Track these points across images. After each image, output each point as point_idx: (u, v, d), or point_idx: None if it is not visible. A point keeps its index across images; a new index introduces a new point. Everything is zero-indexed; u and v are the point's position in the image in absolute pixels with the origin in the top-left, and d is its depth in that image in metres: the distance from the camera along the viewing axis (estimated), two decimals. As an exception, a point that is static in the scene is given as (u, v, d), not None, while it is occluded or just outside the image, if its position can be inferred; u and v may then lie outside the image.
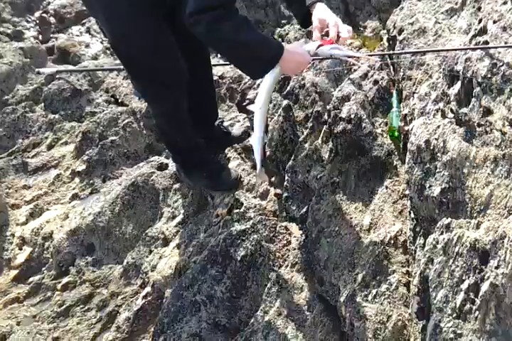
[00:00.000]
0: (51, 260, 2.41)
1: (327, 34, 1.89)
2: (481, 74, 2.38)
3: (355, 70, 2.98)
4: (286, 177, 2.42)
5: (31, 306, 2.25)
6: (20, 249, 2.46)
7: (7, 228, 2.55)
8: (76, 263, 2.38)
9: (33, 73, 3.50)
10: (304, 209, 2.28)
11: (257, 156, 2.00)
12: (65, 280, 2.32)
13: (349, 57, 1.90)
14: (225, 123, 2.89)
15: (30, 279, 2.35)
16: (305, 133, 2.60)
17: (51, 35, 4.46)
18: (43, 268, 2.39)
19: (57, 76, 3.38)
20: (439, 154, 2.09)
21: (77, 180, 2.78)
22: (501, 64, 2.38)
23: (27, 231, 2.52)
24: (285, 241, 2.23)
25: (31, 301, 2.27)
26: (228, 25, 1.66)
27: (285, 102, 2.71)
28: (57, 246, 2.41)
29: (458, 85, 2.40)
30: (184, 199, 2.52)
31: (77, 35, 4.50)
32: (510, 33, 2.62)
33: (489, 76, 2.36)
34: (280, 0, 2.09)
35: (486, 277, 1.68)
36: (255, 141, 1.97)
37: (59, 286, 2.30)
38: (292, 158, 2.50)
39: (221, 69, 3.29)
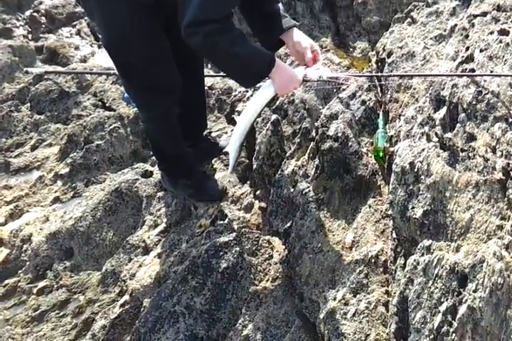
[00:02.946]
0: (28, 263, 2.36)
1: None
2: (466, 100, 2.46)
3: (343, 90, 3.03)
4: (272, 191, 2.44)
5: (5, 309, 2.20)
6: (-3, 250, 2.41)
7: (-16, 228, 2.51)
8: (54, 267, 2.34)
9: (20, 72, 3.46)
10: (288, 224, 2.30)
11: (231, 162, 2.14)
12: (41, 284, 2.29)
13: (336, 78, 1.98)
14: (213, 134, 2.91)
15: (6, 281, 2.30)
16: (292, 148, 2.63)
17: (41, 35, 4.42)
18: (20, 271, 2.35)
19: (45, 76, 3.35)
20: (422, 177, 2.14)
21: (59, 182, 2.75)
22: (486, 92, 2.47)
23: (5, 232, 2.47)
24: (267, 255, 2.24)
25: (5, 304, 2.22)
26: (224, 39, 1.69)
27: (274, 117, 2.74)
28: (36, 249, 2.38)
29: (444, 110, 2.47)
30: (167, 208, 2.51)
31: (67, 37, 4.46)
32: (495, 62, 2.72)
33: (474, 103, 2.44)
34: (249, 22, 2.05)
35: (463, 300, 1.72)
36: (231, 149, 2.09)
37: (35, 290, 2.26)
38: (278, 172, 2.52)
39: (211, 79, 3.31)
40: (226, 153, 2.44)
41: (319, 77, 1.96)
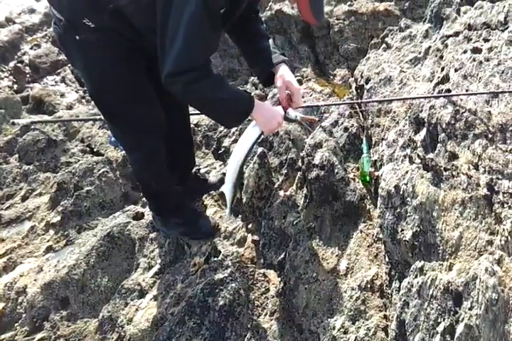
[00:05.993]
0: (24, 315, 2.34)
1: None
2: (445, 120, 2.50)
3: (326, 118, 3.08)
4: (263, 224, 2.45)
5: (2, 365, 2.17)
6: (-8, 305, 2.39)
7: (-21, 283, 2.49)
8: (50, 317, 2.31)
9: (7, 124, 3.51)
10: (282, 256, 2.29)
11: (228, 203, 2.15)
12: (38, 336, 2.25)
13: (309, 120, 2.19)
14: (202, 171, 2.93)
15: (2, 336, 2.26)
16: (280, 179, 2.66)
17: (26, 85, 4.51)
18: (16, 324, 2.31)
19: (32, 126, 3.39)
20: (408, 199, 2.15)
21: (51, 231, 2.74)
22: (464, 110, 2.52)
23: (0, 286, 2.46)
24: (264, 289, 2.22)
25: (2, 360, 2.19)
26: (203, 86, 1.73)
27: (260, 149, 2.77)
28: (31, 301, 2.35)
29: (423, 132, 2.51)
30: (160, 248, 2.51)
31: (52, 85, 4.55)
32: (470, 80, 2.78)
33: (453, 122, 2.48)
34: (244, 57, 2.16)
35: (460, 319, 1.71)
36: (226, 189, 2.11)
37: (32, 343, 2.23)
38: (268, 204, 2.53)
39: (196, 117, 3.36)
40: (220, 191, 2.46)
41: (295, 116, 2.04)
